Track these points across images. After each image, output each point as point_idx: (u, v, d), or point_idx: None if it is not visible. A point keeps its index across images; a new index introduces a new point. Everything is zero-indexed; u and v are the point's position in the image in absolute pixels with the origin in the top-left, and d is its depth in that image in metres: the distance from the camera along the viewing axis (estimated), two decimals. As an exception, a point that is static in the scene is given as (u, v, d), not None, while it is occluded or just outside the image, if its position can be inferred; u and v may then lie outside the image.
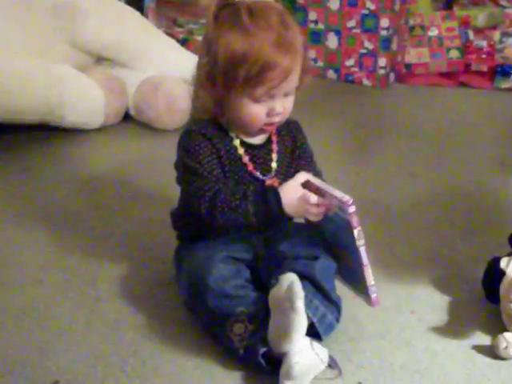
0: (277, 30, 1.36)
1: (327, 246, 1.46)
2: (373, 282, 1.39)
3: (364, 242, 1.36)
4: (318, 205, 1.39)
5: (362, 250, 1.36)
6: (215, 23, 1.39)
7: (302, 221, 1.51)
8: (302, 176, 1.43)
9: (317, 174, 1.52)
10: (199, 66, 1.44)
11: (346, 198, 1.34)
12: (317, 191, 1.41)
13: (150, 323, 1.45)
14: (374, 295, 1.39)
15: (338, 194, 1.36)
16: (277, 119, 1.43)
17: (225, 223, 1.41)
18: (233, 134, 1.46)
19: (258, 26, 1.36)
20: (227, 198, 1.39)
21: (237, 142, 1.46)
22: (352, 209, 1.34)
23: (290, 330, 1.24)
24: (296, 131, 1.54)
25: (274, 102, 1.41)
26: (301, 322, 1.25)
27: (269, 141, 1.50)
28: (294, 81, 1.41)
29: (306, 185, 1.43)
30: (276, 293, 1.26)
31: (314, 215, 1.40)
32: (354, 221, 1.35)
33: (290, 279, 1.24)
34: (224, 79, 1.38)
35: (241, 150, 1.46)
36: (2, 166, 2.19)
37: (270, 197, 1.40)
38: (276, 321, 1.27)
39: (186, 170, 1.46)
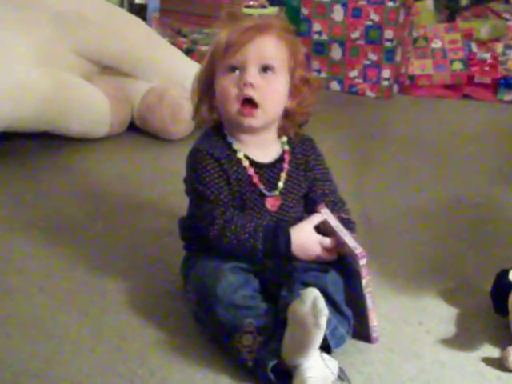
0: (254, 21, 1.44)
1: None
2: (375, 323, 1.42)
3: (371, 289, 1.38)
4: (329, 250, 1.42)
5: (369, 297, 1.38)
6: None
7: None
8: (317, 218, 1.44)
9: (331, 192, 1.52)
10: (196, 79, 1.50)
11: (359, 250, 1.35)
12: (331, 232, 1.41)
13: (157, 334, 1.44)
14: (374, 334, 1.43)
15: (352, 243, 1.37)
16: (250, 92, 1.41)
17: (231, 252, 1.42)
18: (241, 154, 1.46)
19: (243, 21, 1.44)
20: (237, 230, 1.40)
21: (246, 163, 1.45)
22: (363, 262, 1.35)
23: (308, 344, 1.24)
24: (310, 150, 1.53)
25: (245, 73, 1.41)
26: (320, 338, 1.24)
27: (280, 159, 1.49)
28: (268, 55, 1.41)
29: (321, 225, 1.43)
30: (298, 307, 1.24)
31: (324, 259, 1.43)
32: (364, 271, 1.36)
33: (314, 295, 1.22)
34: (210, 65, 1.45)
35: (250, 171, 1.45)
36: (7, 174, 2.17)
37: (281, 237, 1.41)
38: (294, 335, 1.25)
39: (193, 191, 1.46)
